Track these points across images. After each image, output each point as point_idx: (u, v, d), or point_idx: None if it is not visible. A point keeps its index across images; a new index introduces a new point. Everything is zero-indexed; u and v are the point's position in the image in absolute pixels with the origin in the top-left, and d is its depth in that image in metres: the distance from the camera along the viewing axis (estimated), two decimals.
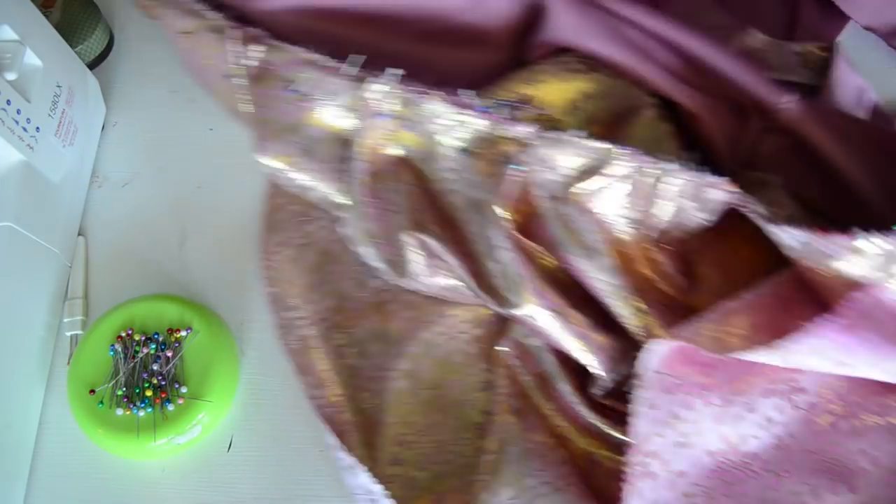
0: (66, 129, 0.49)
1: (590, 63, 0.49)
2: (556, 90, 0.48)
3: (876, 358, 0.35)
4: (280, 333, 0.45)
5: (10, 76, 0.44)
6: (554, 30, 0.48)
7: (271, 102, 0.45)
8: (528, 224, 0.43)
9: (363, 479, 0.39)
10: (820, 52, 0.52)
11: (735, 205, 0.41)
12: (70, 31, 0.54)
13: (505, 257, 0.42)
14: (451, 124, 0.43)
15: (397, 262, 0.44)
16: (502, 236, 0.42)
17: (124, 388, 0.43)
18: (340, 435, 0.41)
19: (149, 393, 0.42)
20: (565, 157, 0.42)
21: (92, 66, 0.57)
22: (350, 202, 0.45)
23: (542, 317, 0.41)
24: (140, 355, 0.43)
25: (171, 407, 0.42)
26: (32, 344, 0.46)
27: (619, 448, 0.40)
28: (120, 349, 0.44)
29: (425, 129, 0.44)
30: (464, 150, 0.44)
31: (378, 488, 0.38)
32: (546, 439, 0.41)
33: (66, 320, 0.48)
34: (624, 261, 0.42)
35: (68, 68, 0.50)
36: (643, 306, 0.41)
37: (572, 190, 0.42)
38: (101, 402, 0.42)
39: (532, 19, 0.50)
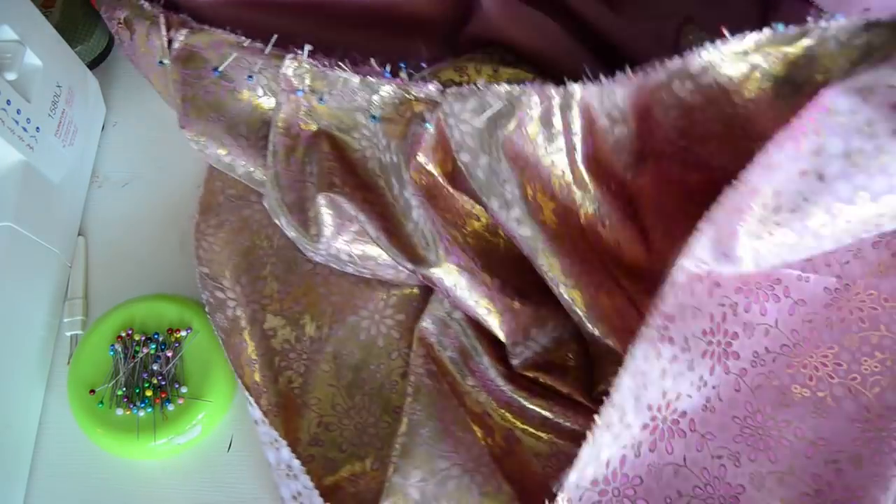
0: (66, 129, 0.49)
1: (519, 53, 0.49)
2: (485, 79, 0.48)
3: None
4: (209, 312, 0.45)
5: (10, 76, 0.44)
6: (484, 22, 0.49)
7: (196, 81, 0.46)
8: (453, 179, 0.44)
9: (284, 454, 0.40)
10: None
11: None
12: (70, 31, 0.54)
13: (416, 215, 0.42)
14: (362, 92, 0.44)
15: (309, 229, 0.44)
16: (414, 195, 0.42)
17: (124, 388, 0.43)
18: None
19: (149, 393, 0.42)
20: (474, 107, 0.41)
21: (92, 66, 0.57)
22: (268, 175, 0.45)
23: (450, 274, 0.41)
24: (140, 355, 0.43)
25: (170, 407, 0.42)
26: (32, 344, 0.46)
27: (541, 424, 0.41)
28: (120, 349, 0.44)
29: (338, 100, 0.45)
30: (374, 117, 0.44)
31: (296, 463, 0.39)
32: (461, 419, 0.41)
33: (66, 320, 0.48)
34: (545, 208, 0.41)
35: (68, 68, 0.50)
36: (558, 256, 0.40)
37: (489, 139, 0.41)
38: (101, 402, 0.42)
39: (464, 11, 0.51)
